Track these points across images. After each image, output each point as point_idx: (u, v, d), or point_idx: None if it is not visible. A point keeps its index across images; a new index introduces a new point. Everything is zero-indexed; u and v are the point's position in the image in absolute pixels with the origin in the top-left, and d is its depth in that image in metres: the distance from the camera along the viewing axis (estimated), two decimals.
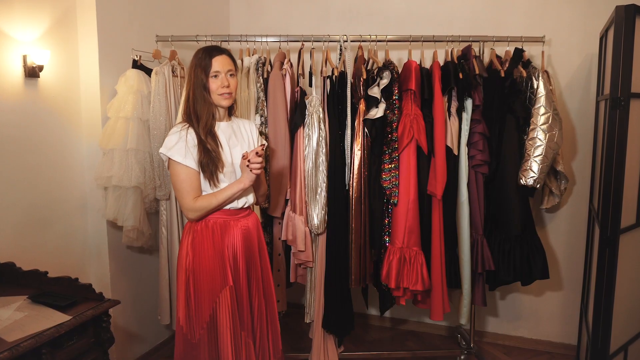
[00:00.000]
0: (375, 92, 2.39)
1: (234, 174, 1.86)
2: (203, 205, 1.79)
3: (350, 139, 2.45)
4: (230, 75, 1.83)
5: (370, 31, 2.68)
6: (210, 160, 1.78)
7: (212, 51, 1.81)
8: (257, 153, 1.73)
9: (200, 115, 1.81)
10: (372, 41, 2.54)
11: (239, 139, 1.91)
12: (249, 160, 1.73)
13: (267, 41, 2.57)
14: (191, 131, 1.80)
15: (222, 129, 1.88)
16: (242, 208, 1.90)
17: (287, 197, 2.50)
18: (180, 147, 1.77)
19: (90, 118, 2.47)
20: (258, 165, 1.74)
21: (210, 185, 1.81)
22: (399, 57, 2.96)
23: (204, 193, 1.83)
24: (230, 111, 1.95)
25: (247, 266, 1.89)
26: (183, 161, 1.76)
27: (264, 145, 1.81)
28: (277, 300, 2.57)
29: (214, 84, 1.80)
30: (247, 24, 3.40)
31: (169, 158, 1.79)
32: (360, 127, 2.41)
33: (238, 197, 1.86)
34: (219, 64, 1.80)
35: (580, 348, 2.78)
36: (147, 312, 2.78)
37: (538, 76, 2.39)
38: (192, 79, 1.81)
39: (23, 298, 1.86)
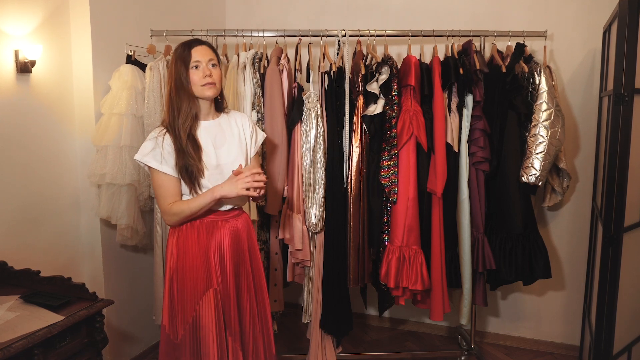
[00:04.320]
0: (374, 87, 2.36)
1: (221, 175, 1.77)
2: (177, 211, 1.73)
3: (348, 135, 2.43)
4: (213, 65, 1.77)
5: (369, 26, 2.65)
6: (188, 166, 1.71)
7: (191, 43, 1.76)
8: (255, 173, 1.65)
9: (181, 110, 1.74)
10: (371, 36, 2.50)
11: (226, 136, 1.83)
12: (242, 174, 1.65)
13: (263, 36, 2.55)
14: (167, 137, 1.74)
15: (206, 128, 1.80)
16: (230, 210, 1.84)
17: (285, 195, 2.47)
18: (156, 153, 1.71)
19: (84, 114, 2.45)
20: (258, 184, 1.66)
21: (191, 192, 1.75)
22: (398, 52, 2.93)
23: (185, 198, 1.77)
24: (219, 107, 1.88)
25: (235, 268, 1.82)
26: (159, 167, 1.72)
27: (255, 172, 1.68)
28: (274, 300, 2.54)
29: (196, 75, 1.73)
30: (244, 19, 3.37)
31: (145, 164, 1.74)
32: (359, 124, 2.38)
33: (219, 205, 1.80)
34: (198, 53, 1.74)
35: (583, 349, 2.76)
36: (141, 312, 2.76)
37: (540, 71, 2.37)
38: (172, 74, 1.75)
39: (15, 298, 1.85)
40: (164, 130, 1.76)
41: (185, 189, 1.76)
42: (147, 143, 1.75)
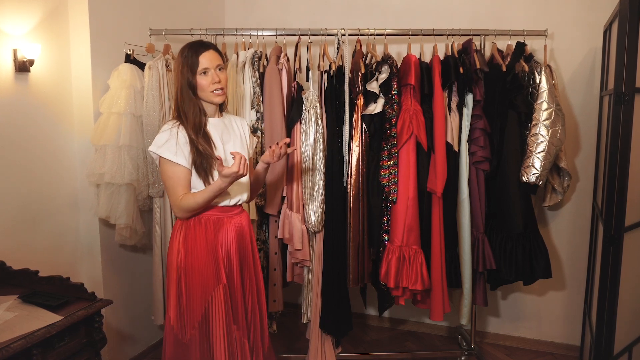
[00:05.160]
0: (373, 87, 2.35)
1: None
2: (187, 204, 1.75)
3: (348, 135, 2.42)
4: (220, 69, 1.79)
5: (369, 25, 2.64)
6: (203, 160, 1.74)
7: (198, 48, 1.76)
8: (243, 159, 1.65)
9: (188, 115, 1.77)
10: (371, 35, 2.49)
11: (231, 134, 1.88)
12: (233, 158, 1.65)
13: (263, 35, 2.54)
14: (182, 129, 1.77)
15: (214, 125, 1.84)
16: (235, 205, 1.87)
17: (284, 194, 2.46)
18: (171, 144, 1.73)
19: (82, 113, 2.44)
20: (244, 165, 1.66)
21: (205, 184, 1.77)
22: (398, 51, 2.92)
23: (194, 191, 1.79)
24: (222, 107, 1.90)
25: (241, 264, 1.86)
26: (173, 158, 1.73)
27: (242, 156, 1.69)
28: (274, 300, 2.54)
29: (205, 81, 1.75)
30: (243, 17, 3.36)
31: (159, 156, 1.75)
32: (359, 123, 2.37)
33: (229, 196, 1.82)
34: (206, 60, 1.75)
35: (584, 349, 2.75)
36: (140, 312, 2.75)
37: (540, 71, 2.35)
38: (179, 78, 1.77)
39: (13, 298, 1.84)
40: (178, 123, 1.78)
41: (196, 182, 1.77)
42: (161, 135, 1.77)
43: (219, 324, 1.77)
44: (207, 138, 1.79)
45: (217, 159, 1.68)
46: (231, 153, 1.67)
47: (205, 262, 1.79)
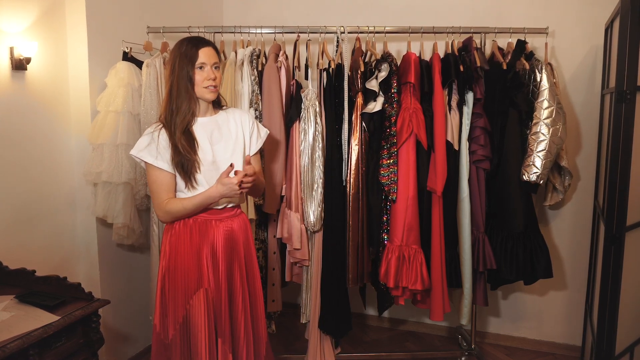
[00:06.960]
0: (373, 85, 2.34)
1: (217, 171, 1.76)
2: (171, 209, 1.74)
3: (347, 133, 2.40)
4: (216, 67, 1.77)
5: (368, 22, 2.62)
6: (184, 161, 1.72)
7: (198, 42, 1.75)
8: (246, 174, 1.67)
9: (180, 108, 1.73)
10: (370, 32, 2.48)
11: (223, 133, 1.82)
12: (234, 174, 1.67)
13: (261, 32, 2.52)
14: (163, 132, 1.74)
15: (203, 124, 1.80)
16: (224, 208, 1.83)
17: (283, 194, 2.45)
18: (152, 148, 1.72)
19: (79, 112, 2.43)
20: (248, 186, 1.70)
21: (187, 187, 1.74)
22: (397, 49, 2.90)
23: (180, 194, 1.77)
24: (216, 104, 1.87)
25: (229, 270, 1.81)
26: (154, 163, 1.72)
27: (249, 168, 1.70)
28: (272, 300, 2.52)
29: (200, 76, 1.73)
30: (241, 15, 3.34)
31: (142, 160, 1.75)
32: (358, 122, 2.36)
33: (216, 204, 1.79)
34: (205, 55, 1.73)
35: (585, 349, 2.74)
36: (138, 312, 2.74)
37: (541, 69, 2.34)
38: (175, 70, 1.73)
39: (10, 298, 1.84)
40: (160, 126, 1.77)
41: (181, 184, 1.76)
42: (143, 138, 1.76)
43: (199, 328, 1.74)
44: (190, 138, 1.74)
45: (231, 165, 1.68)
46: (234, 171, 1.67)
47: (188, 265, 1.76)
